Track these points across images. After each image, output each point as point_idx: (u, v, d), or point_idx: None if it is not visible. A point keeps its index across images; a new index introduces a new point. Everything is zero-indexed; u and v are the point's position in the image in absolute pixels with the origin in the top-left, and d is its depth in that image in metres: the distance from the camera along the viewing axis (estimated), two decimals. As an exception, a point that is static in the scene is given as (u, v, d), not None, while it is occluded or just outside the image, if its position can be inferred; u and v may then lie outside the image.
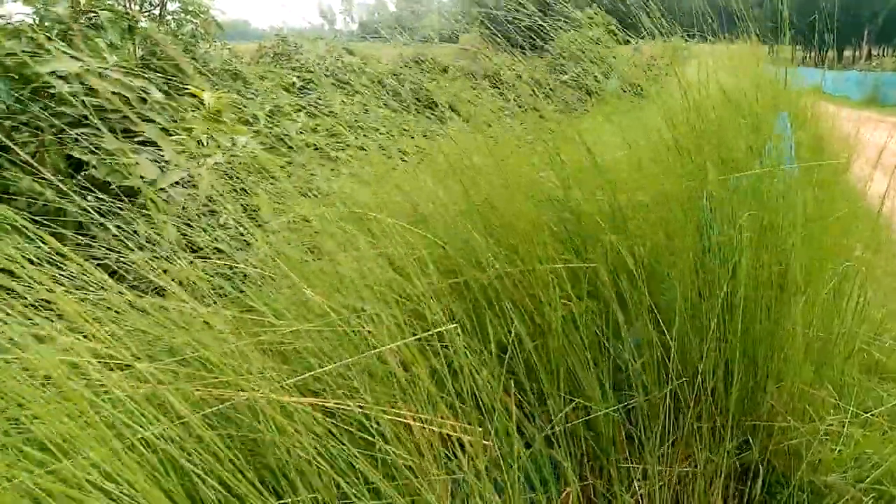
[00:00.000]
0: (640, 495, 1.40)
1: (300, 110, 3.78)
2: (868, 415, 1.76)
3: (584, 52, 2.84)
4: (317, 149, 1.99)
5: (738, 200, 1.57)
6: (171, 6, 4.77)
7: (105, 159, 1.70)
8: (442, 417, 1.05)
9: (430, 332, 1.02)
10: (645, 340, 1.53)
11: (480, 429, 1.07)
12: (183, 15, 4.83)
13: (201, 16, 4.63)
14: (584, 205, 1.62)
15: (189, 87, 2.20)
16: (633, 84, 2.92)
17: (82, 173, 1.79)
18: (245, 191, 1.68)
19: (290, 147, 1.87)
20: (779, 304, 1.56)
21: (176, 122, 1.96)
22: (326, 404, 0.93)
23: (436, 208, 1.59)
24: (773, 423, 1.61)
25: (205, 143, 1.89)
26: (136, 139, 1.85)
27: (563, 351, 1.38)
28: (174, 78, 2.29)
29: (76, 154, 1.78)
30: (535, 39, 2.66)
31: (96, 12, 2.46)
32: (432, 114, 2.70)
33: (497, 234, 1.57)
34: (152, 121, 1.85)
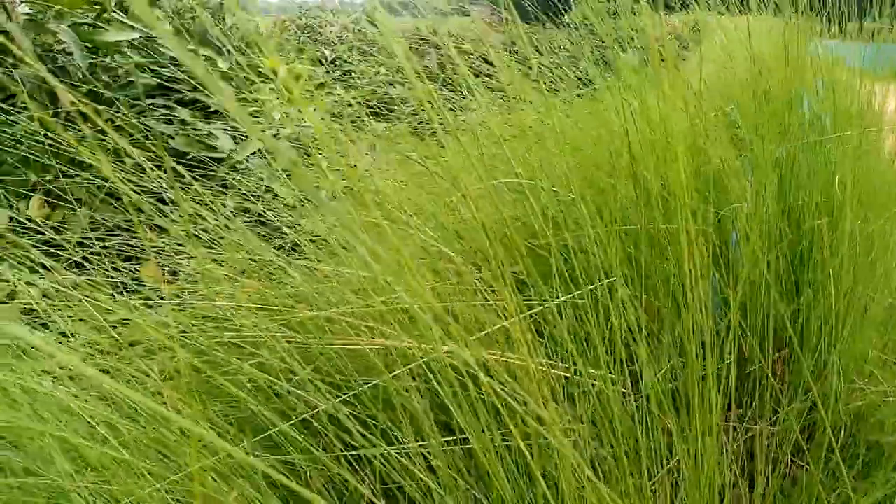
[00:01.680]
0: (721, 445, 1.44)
1: (335, 81, 3.80)
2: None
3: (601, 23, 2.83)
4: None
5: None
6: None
7: (180, 131, 1.73)
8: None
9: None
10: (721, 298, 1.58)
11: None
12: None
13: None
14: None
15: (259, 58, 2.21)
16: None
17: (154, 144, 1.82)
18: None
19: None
20: (862, 265, 1.59)
21: (243, 93, 1.99)
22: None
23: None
24: (843, 385, 1.65)
25: (277, 114, 1.91)
26: (207, 110, 1.88)
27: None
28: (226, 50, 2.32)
29: (151, 124, 1.82)
30: (550, 13, 2.64)
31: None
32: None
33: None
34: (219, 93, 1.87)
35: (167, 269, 1.49)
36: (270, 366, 0.92)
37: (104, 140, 1.75)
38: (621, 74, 1.86)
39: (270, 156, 1.65)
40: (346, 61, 5.10)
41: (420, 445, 0.92)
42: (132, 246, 1.66)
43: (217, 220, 1.17)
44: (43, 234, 1.60)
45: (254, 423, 1.05)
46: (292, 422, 0.86)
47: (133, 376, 0.97)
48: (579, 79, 2.63)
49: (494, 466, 0.91)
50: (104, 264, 1.55)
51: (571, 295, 1.02)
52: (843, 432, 1.58)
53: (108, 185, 1.76)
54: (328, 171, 1.66)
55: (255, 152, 1.72)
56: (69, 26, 1.80)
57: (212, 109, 1.89)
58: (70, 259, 1.69)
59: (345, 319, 0.92)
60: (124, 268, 1.62)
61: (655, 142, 1.47)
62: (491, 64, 2.70)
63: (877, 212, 1.76)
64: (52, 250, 1.56)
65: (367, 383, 0.95)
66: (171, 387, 0.87)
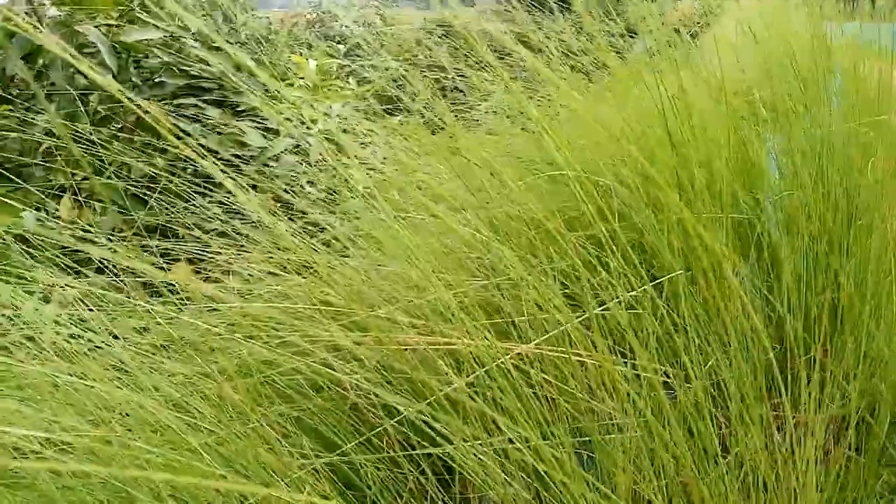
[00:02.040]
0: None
1: (349, 75, 3.79)
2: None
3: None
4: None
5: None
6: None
7: (212, 129, 1.73)
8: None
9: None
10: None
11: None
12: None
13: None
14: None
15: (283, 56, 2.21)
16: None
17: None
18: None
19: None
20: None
21: (269, 91, 1.97)
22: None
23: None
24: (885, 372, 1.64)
25: (306, 111, 1.90)
26: (237, 109, 1.87)
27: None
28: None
29: (181, 125, 1.81)
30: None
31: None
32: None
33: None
34: (252, 91, 1.87)
35: (212, 268, 1.49)
36: (330, 366, 0.92)
37: (133, 141, 1.75)
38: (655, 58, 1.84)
39: (303, 152, 1.65)
40: (357, 55, 5.09)
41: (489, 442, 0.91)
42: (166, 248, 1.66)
43: (260, 216, 1.16)
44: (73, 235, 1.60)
45: (308, 423, 1.04)
46: (364, 436, 0.85)
47: (187, 378, 0.97)
48: (594, 66, 2.60)
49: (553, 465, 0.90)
50: (134, 266, 1.55)
51: (634, 292, 1.01)
52: (888, 419, 1.57)
53: (138, 184, 1.75)
54: (361, 166, 1.65)
55: (285, 150, 1.72)
56: (96, 27, 1.80)
57: (241, 108, 1.89)
58: (101, 261, 1.69)
59: (403, 319, 0.92)
60: (159, 267, 1.62)
61: (695, 129, 1.46)
62: (503, 56, 2.68)
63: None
64: (82, 252, 1.56)
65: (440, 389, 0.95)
66: (232, 388, 0.87)
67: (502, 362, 1.06)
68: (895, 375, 1.53)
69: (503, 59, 2.44)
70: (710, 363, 1.31)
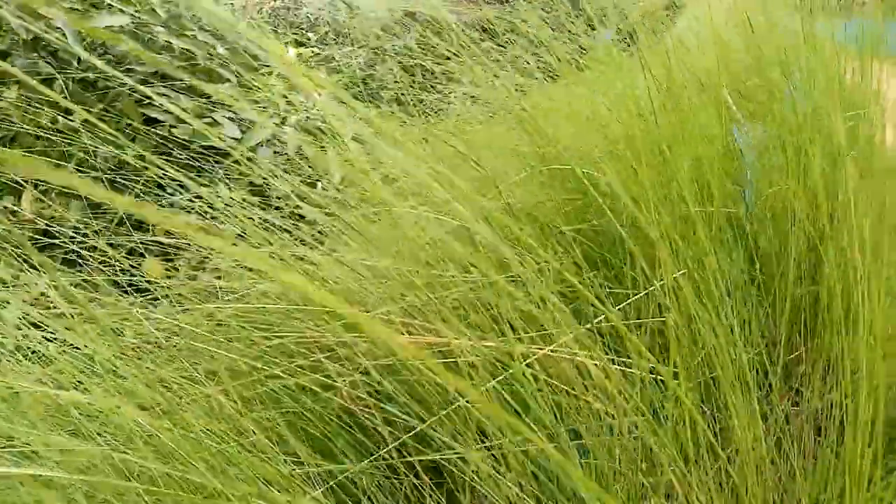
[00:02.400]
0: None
1: (320, 64, 3.71)
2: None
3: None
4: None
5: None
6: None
7: (182, 119, 1.66)
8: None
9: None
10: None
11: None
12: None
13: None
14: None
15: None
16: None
17: (158, 133, 1.74)
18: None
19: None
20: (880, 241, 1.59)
21: (242, 81, 1.91)
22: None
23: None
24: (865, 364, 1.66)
25: (282, 101, 1.84)
26: (209, 99, 1.80)
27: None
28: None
29: (151, 114, 1.74)
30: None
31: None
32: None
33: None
34: (223, 79, 1.81)
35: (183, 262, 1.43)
36: (324, 369, 0.88)
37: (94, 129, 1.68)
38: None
39: (281, 144, 1.59)
40: (325, 44, 5.01)
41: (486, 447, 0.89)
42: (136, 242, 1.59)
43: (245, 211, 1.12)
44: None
45: (300, 426, 1.01)
46: (360, 442, 0.82)
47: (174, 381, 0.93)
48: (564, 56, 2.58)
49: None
50: (107, 261, 1.49)
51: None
52: (870, 410, 1.60)
53: (106, 176, 1.68)
54: (343, 156, 1.61)
55: (260, 142, 1.66)
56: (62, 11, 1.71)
57: (214, 98, 1.81)
58: (67, 258, 1.62)
59: (399, 320, 0.89)
60: (129, 264, 1.55)
61: (682, 122, 1.45)
62: (474, 44, 2.65)
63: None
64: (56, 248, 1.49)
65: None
66: (223, 392, 0.83)
67: (500, 361, 1.04)
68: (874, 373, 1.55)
69: (470, 48, 2.40)
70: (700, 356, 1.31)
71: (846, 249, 1.60)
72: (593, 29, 3.68)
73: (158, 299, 1.48)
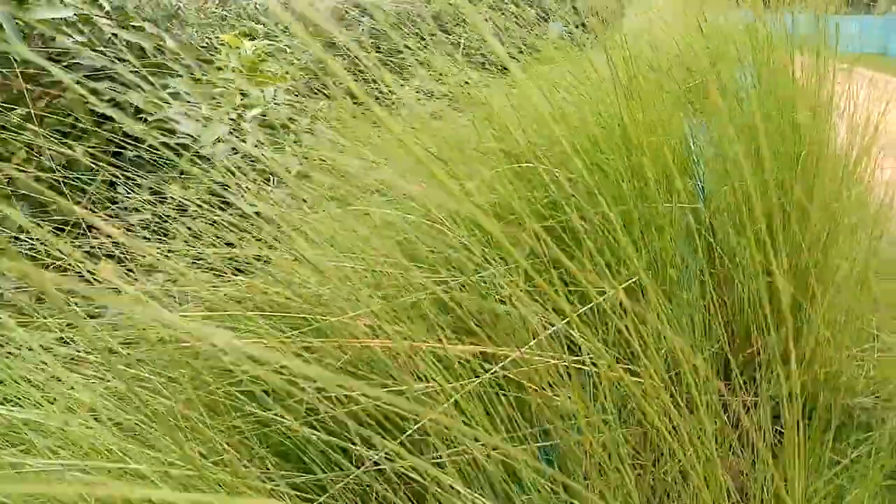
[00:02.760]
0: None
1: (269, 57, 3.61)
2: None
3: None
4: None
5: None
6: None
7: (136, 115, 1.58)
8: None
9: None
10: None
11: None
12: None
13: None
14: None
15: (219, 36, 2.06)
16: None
17: (110, 130, 1.66)
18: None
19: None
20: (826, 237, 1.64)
21: (195, 75, 1.83)
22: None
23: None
24: (816, 354, 1.71)
25: (238, 97, 1.78)
26: (158, 95, 1.71)
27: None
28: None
29: (101, 109, 1.63)
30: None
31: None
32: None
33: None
34: (174, 73, 1.73)
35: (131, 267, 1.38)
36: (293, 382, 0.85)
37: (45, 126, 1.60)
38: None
39: (239, 139, 1.54)
40: (276, 37, 4.88)
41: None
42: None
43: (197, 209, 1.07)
44: None
45: (266, 434, 0.98)
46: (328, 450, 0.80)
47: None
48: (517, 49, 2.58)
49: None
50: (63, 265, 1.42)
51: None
52: (820, 398, 1.65)
53: (50, 177, 1.61)
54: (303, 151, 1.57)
55: (217, 139, 1.60)
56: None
57: (168, 92, 1.74)
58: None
59: (364, 323, 0.86)
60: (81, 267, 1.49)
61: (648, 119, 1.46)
62: (423, 37, 2.63)
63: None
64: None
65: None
66: (186, 404, 0.79)
67: (467, 361, 1.03)
68: (831, 363, 1.60)
69: (425, 40, 2.38)
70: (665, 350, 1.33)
71: (800, 244, 1.64)
72: (546, 21, 3.69)
73: (106, 306, 1.43)
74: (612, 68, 1.34)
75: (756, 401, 1.56)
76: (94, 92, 1.55)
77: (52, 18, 1.73)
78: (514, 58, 2.38)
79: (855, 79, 2.14)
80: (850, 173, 1.93)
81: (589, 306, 0.95)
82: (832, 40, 2.03)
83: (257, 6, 7.62)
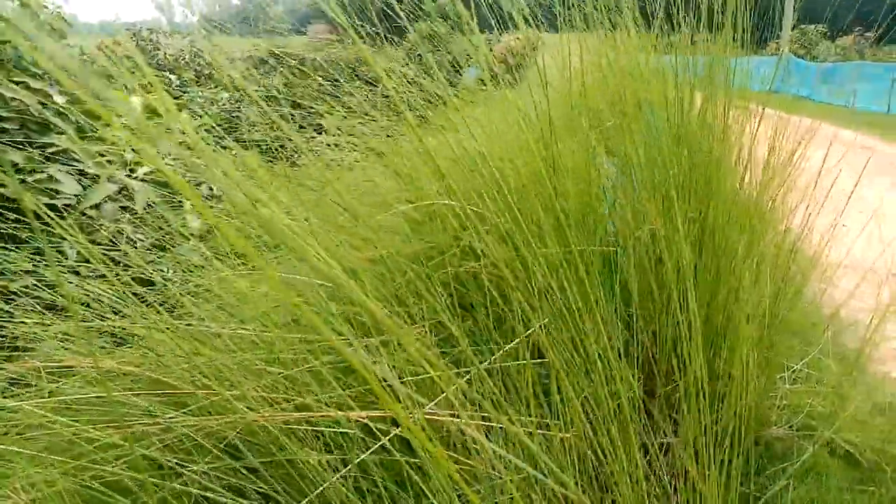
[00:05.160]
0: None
1: (180, 110, 3.51)
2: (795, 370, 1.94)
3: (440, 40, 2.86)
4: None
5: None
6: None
7: (17, 176, 1.44)
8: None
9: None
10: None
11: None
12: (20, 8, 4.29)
13: (45, 9, 4.15)
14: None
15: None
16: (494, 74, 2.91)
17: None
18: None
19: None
20: (727, 274, 1.67)
21: (84, 131, 1.71)
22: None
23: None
24: (731, 388, 1.73)
25: (128, 153, 1.66)
26: (47, 152, 1.58)
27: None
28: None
29: (-27, 170, 1.50)
30: (391, 27, 2.63)
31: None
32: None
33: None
34: (58, 131, 1.60)
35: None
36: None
37: None
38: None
39: (127, 199, 1.44)
40: (188, 87, 4.77)
41: None
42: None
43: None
44: None
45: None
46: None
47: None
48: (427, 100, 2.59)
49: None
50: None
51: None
52: (737, 434, 1.66)
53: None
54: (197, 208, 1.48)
55: (105, 198, 1.49)
56: None
57: (50, 151, 1.61)
58: None
59: (261, 394, 0.80)
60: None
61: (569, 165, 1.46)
62: (338, 83, 2.61)
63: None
64: None
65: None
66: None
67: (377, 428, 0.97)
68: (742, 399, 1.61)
69: (338, 86, 2.35)
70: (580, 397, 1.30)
71: (710, 282, 1.67)
72: (459, 69, 3.74)
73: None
74: (536, 112, 1.34)
75: (673, 441, 1.56)
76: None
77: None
78: (431, 102, 2.39)
79: (758, 115, 2.22)
80: (757, 207, 1.99)
81: (486, 364, 0.91)
82: (731, 79, 2.12)
83: (169, 56, 7.48)
